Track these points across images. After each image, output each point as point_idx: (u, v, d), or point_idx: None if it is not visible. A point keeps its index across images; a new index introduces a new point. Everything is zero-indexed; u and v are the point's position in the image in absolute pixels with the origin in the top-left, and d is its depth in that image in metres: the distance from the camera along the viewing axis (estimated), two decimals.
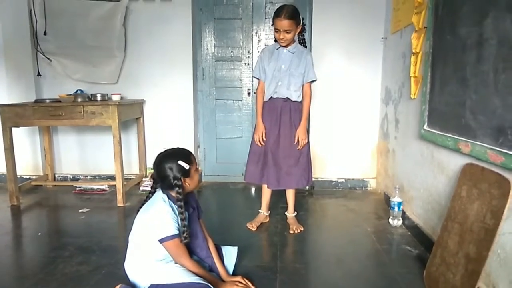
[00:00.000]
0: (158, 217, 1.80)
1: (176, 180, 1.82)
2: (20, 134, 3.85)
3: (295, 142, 2.68)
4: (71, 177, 4.07)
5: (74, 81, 3.78)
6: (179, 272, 1.82)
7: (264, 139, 2.70)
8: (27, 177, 3.92)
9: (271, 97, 2.69)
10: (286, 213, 2.93)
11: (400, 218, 2.83)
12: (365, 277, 2.14)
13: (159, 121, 3.90)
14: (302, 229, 2.75)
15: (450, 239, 1.89)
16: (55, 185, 3.95)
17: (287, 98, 2.66)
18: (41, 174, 3.98)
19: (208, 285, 1.77)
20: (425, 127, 2.44)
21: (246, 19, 3.87)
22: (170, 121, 3.89)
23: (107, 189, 3.75)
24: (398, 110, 3.11)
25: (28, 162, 3.97)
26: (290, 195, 2.87)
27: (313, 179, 3.80)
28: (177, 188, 1.82)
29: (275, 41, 2.68)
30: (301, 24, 2.59)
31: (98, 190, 3.74)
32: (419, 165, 2.63)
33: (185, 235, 1.82)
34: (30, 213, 3.23)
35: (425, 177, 2.52)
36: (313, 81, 2.69)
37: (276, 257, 2.33)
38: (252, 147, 2.76)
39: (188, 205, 1.96)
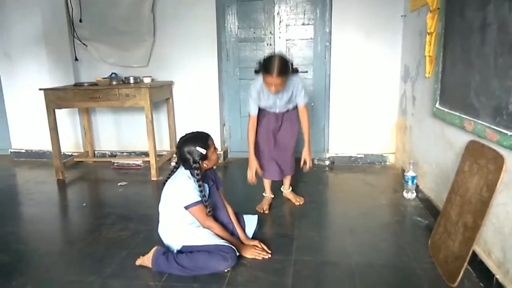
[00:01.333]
0: (182, 188, 2.08)
1: (195, 163, 2.07)
2: (62, 115, 4.21)
3: (302, 164, 2.75)
4: (109, 154, 4.43)
5: (108, 64, 4.07)
6: (207, 235, 2.10)
7: (259, 172, 2.77)
8: (70, 153, 4.30)
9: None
10: (282, 189, 3.05)
11: (414, 192, 2.98)
12: (375, 245, 2.34)
13: (187, 101, 4.15)
14: (302, 201, 2.96)
15: (452, 210, 2.05)
16: (95, 161, 4.32)
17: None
18: (82, 151, 4.35)
19: (232, 247, 2.04)
20: (437, 105, 2.55)
21: (268, 0, 3.99)
22: (197, 101, 4.13)
23: (142, 164, 4.07)
24: (415, 87, 3.20)
25: (71, 141, 4.34)
26: (288, 178, 3.00)
27: (333, 155, 4.01)
28: (196, 170, 2.07)
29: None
30: (291, 68, 2.49)
31: (134, 165, 4.07)
32: (432, 141, 2.75)
33: (208, 208, 2.10)
34: (74, 187, 3.60)
35: (437, 153, 2.65)
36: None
37: (294, 226, 2.56)
38: (261, 147, 2.80)
39: (208, 178, 2.23)
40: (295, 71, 2.58)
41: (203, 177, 2.13)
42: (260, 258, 2.13)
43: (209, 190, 2.21)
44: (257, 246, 2.20)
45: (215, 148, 2.18)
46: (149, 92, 3.45)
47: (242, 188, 3.36)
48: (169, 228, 2.16)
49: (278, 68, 2.33)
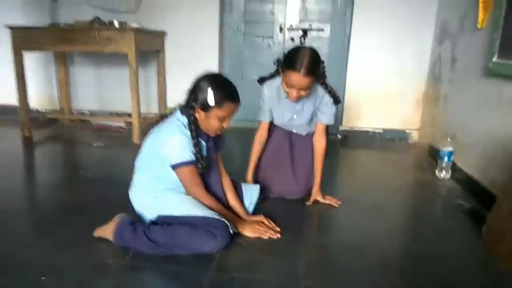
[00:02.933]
0: (172, 140, 1.52)
1: (194, 101, 1.53)
2: (34, 65, 3.64)
3: (311, 203, 1.99)
4: (88, 113, 3.85)
5: (91, 7, 3.46)
6: (191, 204, 1.56)
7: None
8: (43, 110, 3.73)
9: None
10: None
11: (449, 170, 2.45)
12: (408, 229, 1.83)
13: (181, 56, 3.57)
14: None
15: None
16: (72, 121, 3.75)
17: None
18: (57, 108, 3.78)
19: (223, 221, 1.50)
20: (495, 59, 2.01)
21: None
22: (192, 57, 3.54)
23: (125, 127, 3.52)
24: (457, 46, 2.64)
25: (44, 95, 3.78)
26: None
27: (347, 128, 3.47)
28: (190, 110, 1.54)
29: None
30: (321, 71, 1.82)
31: (115, 127, 3.52)
32: (481, 107, 2.21)
33: (201, 163, 1.55)
34: (42, 145, 3.04)
35: (488, 120, 2.11)
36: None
37: (303, 201, 2.02)
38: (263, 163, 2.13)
39: (209, 138, 1.65)
40: (324, 75, 1.86)
41: (199, 132, 1.57)
42: (266, 237, 1.59)
43: (206, 149, 1.64)
44: (262, 222, 1.66)
45: (226, 117, 1.55)
46: (134, 36, 2.87)
47: (240, 160, 2.81)
48: (143, 190, 1.62)
49: (307, 64, 1.67)
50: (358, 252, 1.53)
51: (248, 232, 1.60)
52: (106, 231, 1.52)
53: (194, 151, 1.54)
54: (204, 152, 1.60)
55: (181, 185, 1.60)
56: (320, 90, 1.90)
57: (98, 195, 2.01)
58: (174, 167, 1.53)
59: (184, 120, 1.56)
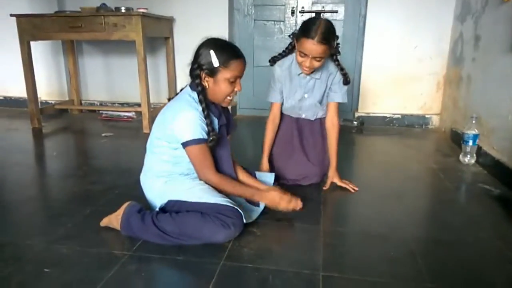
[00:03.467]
0: (184, 115, 1.43)
1: (198, 69, 1.44)
2: (43, 56, 3.60)
3: (328, 186, 1.92)
4: (98, 103, 3.79)
5: None
6: (202, 191, 1.47)
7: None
8: (52, 102, 3.69)
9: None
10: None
11: (474, 155, 2.31)
12: (434, 216, 1.71)
13: (190, 42, 3.37)
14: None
15: None
16: (81, 111, 3.70)
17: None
18: (67, 99, 3.73)
19: (237, 210, 1.41)
20: None
21: None
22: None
23: (134, 116, 3.45)
24: (481, 23, 2.48)
25: (53, 86, 3.73)
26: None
27: (363, 114, 3.35)
28: (197, 80, 1.45)
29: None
30: (335, 45, 1.77)
31: (125, 117, 3.45)
32: (508, 85, 2.06)
33: (211, 135, 1.46)
34: (51, 136, 2.98)
35: None
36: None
37: (319, 188, 1.91)
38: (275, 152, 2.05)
39: (219, 112, 1.56)
40: (337, 50, 1.82)
41: (209, 107, 1.49)
42: (290, 209, 1.51)
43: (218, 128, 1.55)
44: (285, 192, 1.55)
45: (235, 78, 1.47)
46: (141, 22, 2.78)
47: (252, 150, 2.72)
48: (154, 174, 1.53)
49: (322, 32, 1.63)
50: (380, 241, 1.42)
51: (273, 203, 1.51)
52: (113, 220, 1.45)
53: (205, 123, 1.45)
54: (216, 125, 1.52)
55: (193, 176, 1.53)
56: (331, 67, 1.85)
57: (106, 185, 1.94)
58: (185, 144, 1.44)
59: (195, 95, 1.47)
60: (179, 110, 1.45)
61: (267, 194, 1.52)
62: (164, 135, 1.49)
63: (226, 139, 1.61)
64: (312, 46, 1.65)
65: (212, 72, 1.43)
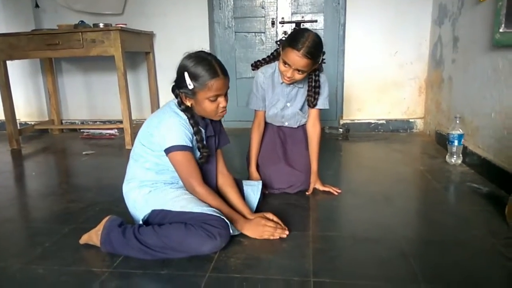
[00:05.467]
0: (167, 121, 1.40)
1: (177, 88, 1.42)
2: (21, 76, 3.53)
3: (310, 192, 1.89)
4: (79, 122, 3.71)
5: (76, 12, 3.36)
6: (187, 200, 1.41)
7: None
8: (32, 123, 3.59)
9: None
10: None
11: (460, 155, 2.30)
12: (424, 216, 1.68)
13: (171, 57, 3.37)
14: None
15: None
16: (62, 131, 3.62)
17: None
18: (47, 119, 3.65)
19: (223, 219, 1.35)
20: (502, 29, 1.89)
21: None
22: None
23: (117, 133, 3.38)
24: (458, 25, 2.51)
25: (32, 107, 3.65)
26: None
27: (348, 121, 3.34)
28: (178, 99, 1.43)
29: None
30: (320, 61, 1.74)
31: (107, 135, 3.38)
32: (489, 83, 2.07)
33: (202, 152, 1.44)
34: (30, 157, 2.89)
35: (499, 96, 1.97)
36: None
37: (307, 196, 1.87)
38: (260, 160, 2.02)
39: (208, 126, 1.52)
40: (323, 62, 1.79)
41: (196, 120, 1.44)
42: (277, 237, 1.43)
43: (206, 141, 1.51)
44: (269, 220, 1.48)
45: (216, 97, 1.41)
46: (120, 36, 2.75)
47: (238, 162, 2.68)
48: (138, 184, 1.47)
49: (309, 45, 1.60)
50: (371, 244, 1.38)
51: (255, 234, 1.43)
52: (93, 236, 1.37)
53: (193, 138, 1.42)
54: (204, 137, 1.48)
55: (178, 185, 1.48)
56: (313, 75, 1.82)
57: (86, 202, 1.86)
58: (168, 151, 1.39)
59: (177, 107, 1.44)
60: (164, 116, 1.42)
61: (250, 225, 1.44)
62: (148, 142, 1.45)
63: (213, 150, 1.57)
64: (296, 58, 1.62)
65: (190, 93, 1.39)
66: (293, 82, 1.78)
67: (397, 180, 2.09)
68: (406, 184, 2.08)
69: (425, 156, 2.56)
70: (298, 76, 1.69)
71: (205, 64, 1.38)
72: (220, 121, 1.62)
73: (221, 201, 1.47)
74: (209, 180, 1.55)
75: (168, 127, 1.39)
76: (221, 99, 1.43)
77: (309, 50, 1.61)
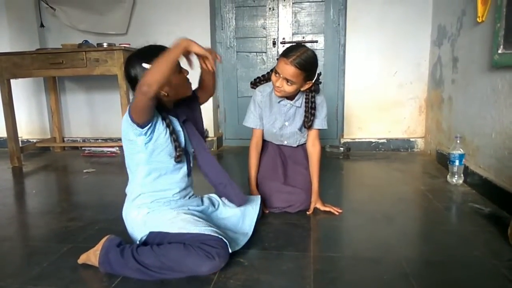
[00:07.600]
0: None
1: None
2: (25, 94, 3.56)
3: (310, 212, 1.87)
4: (81, 140, 3.73)
5: (80, 32, 3.42)
6: (184, 221, 1.40)
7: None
8: (34, 140, 3.61)
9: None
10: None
11: (462, 175, 2.29)
12: (426, 237, 1.67)
13: None
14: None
15: None
16: (64, 149, 3.63)
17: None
18: (49, 137, 3.66)
19: (221, 238, 1.34)
20: (500, 50, 1.91)
21: None
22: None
23: (118, 151, 3.39)
24: (457, 45, 2.54)
25: (35, 125, 3.67)
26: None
27: (349, 140, 3.34)
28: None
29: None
30: (313, 80, 1.76)
31: (108, 153, 3.39)
32: (489, 103, 2.08)
33: (177, 151, 1.43)
34: (31, 174, 2.89)
35: (499, 116, 1.97)
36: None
37: (308, 215, 1.86)
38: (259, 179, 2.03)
39: (180, 112, 1.53)
40: (318, 83, 1.79)
41: (166, 108, 1.47)
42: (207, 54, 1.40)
43: (182, 129, 1.52)
44: None
45: (180, 70, 1.43)
46: (123, 56, 2.79)
47: (239, 181, 2.68)
48: (135, 204, 1.47)
49: (299, 56, 1.63)
50: (372, 264, 1.36)
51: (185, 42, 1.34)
52: (91, 256, 1.36)
53: (170, 139, 1.43)
54: (177, 128, 1.48)
55: (174, 191, 1.48)
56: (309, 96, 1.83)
57: (86, 221, 1.86)
58: (128, 111, 1.33)
59: None
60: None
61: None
62: (133, 134, 1.37)
63: (196, 133, 1.57)
64: (285, 65, 1.65)
65: None
66: (286, 97, 1.80)
67: (398, 200, 2.08)
68: (407, 203, 2.06)
69: (426, 175, 2.56)
70: (287, 87, 1.70)
71: (151, 49, 1.39)
72: (190, 105, 1.59)
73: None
74: (205, 167, 1.58)
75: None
76: (183, 70, 1.45)
77: (299, 60, 1.63)
